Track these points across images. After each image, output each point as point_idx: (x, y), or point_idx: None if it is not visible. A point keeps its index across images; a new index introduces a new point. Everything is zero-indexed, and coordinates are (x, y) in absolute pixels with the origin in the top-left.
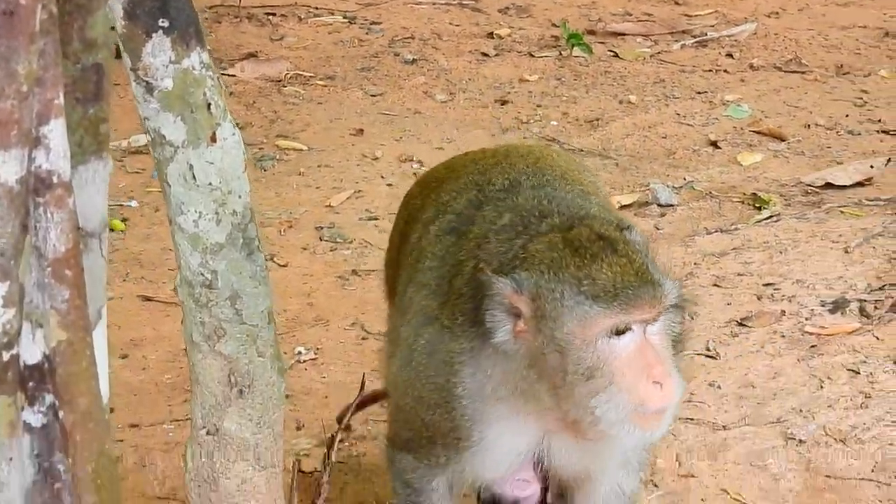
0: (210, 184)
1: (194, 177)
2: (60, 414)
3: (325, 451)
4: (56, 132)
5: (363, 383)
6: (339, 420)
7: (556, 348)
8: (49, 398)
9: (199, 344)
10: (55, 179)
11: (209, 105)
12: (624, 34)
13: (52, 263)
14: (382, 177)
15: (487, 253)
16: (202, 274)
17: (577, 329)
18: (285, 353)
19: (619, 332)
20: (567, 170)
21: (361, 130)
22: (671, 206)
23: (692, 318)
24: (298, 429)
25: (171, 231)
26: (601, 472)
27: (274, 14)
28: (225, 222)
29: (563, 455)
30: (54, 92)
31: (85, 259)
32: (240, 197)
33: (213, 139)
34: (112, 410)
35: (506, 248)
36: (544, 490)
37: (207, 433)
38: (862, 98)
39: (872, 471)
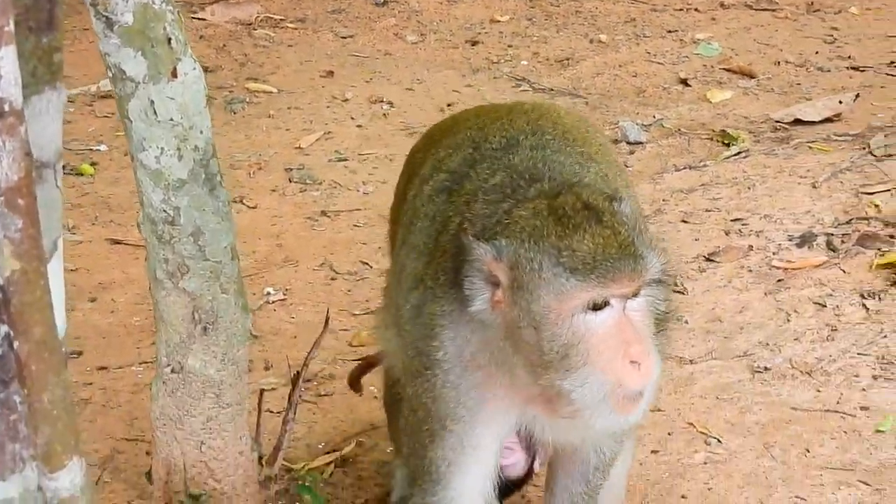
0: (171, 119)
1: (155, 112)
2: (15, 344)
3: (291, 389)
4: (7, 59)
5: (327, 319)
6: (352, 383)
7: (531, 323)
8: (3, 328)
9: (163, 281)
10: (6, 107)
11: (169, 39)
12: None
13: (4, 192)
14: (352, 118)
15: (473, 213)
16: (165, 210)
17: (553, 303)
18: (254, 293)
19: (597, 308)
20: (570, 129)
21: (332, 72)
22: (640, 143)
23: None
24: (267, 369)
25: (134, 168)
26: (583, 442)
27: None
28: (187, 158)
29: (545, 425)
30: (4, 19)
31: (39, 190)
32: (201, 132)
33: (174, 74)
34: (80, 353)
35: (491, 210)
36: (532, 459)
37: (172, 371)
38: (832, 35)
39: (837, 402)
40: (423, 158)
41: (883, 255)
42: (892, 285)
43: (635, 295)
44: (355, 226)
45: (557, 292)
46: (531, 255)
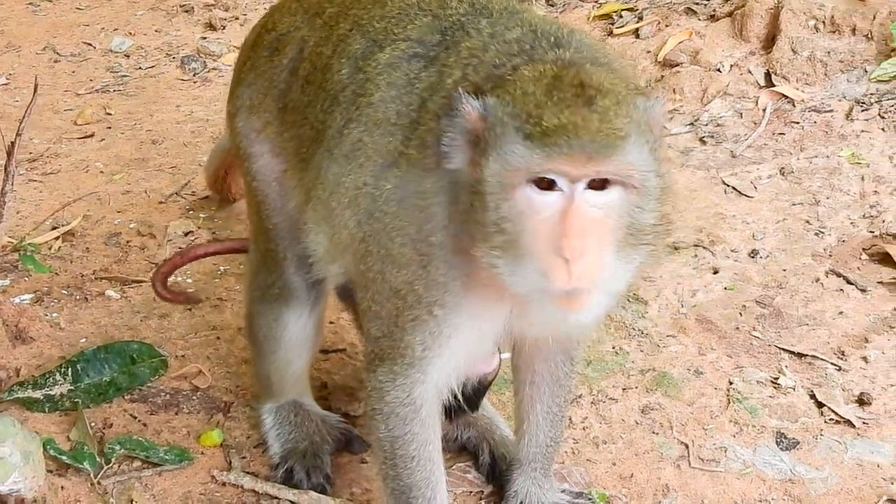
0: None
1: None
2: None
3: (6, 160)
4: None
5: (36, 85)
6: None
7: (480, 187)
8: None
9: None
10: None
11: None
12: None
13: None
14: None
15: (481, 61)
16: None
17: (500, 168)
18: None
19: (545, 187)
20: None
21: None
22: None
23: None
24: None
25: None
26: (557, 340)
27: None
28: None
29: (530, 321)
30: None
31: None
32: None
33: None
34: None
35: (501, 61)
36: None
37: None
38: None
39: None
40: (322, 38)
41: (600, 6)
42: (608, 35)
43: (598, 187)
44: (77, 9)
45: (506, 157)
46: (503, 118)
